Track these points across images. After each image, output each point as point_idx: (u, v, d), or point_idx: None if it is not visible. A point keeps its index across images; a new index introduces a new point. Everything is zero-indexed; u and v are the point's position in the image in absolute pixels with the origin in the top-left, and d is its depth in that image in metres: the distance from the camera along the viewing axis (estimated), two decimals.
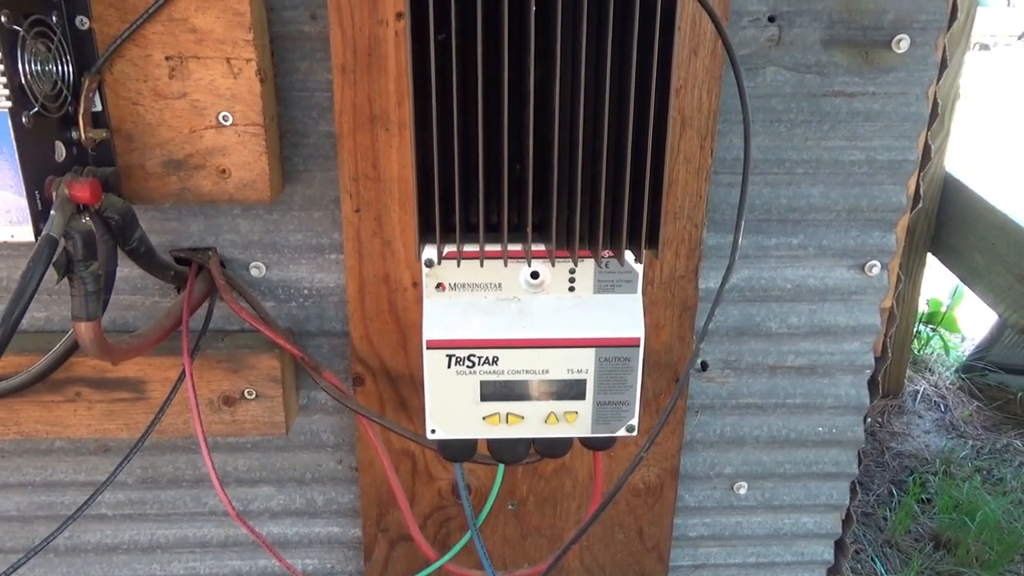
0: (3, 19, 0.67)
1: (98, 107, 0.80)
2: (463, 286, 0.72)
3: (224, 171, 0.83)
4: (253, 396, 0.96)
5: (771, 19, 0.90)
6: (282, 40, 0.87)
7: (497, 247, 0.66)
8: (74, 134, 0.78)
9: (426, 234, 0.66)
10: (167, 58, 0.79)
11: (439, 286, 0.71)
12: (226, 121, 0.82)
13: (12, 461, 1.07)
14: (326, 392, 0.92)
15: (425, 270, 0.71)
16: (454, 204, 0.63)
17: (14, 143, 0.69)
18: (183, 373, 0.91)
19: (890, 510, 1.98)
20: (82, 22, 0.77)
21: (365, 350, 0.99)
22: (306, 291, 0.99)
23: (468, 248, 0.67)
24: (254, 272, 0.97)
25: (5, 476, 1.08)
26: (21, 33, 0.69)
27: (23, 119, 0.70)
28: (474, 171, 0.62)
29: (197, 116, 0.81)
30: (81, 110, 0.78)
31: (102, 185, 0.75)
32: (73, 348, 0.86)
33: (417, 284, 0.95)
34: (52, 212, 0.71)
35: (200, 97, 0.81)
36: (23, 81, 0.70)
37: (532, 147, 0.61)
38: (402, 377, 1.00)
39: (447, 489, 1.08)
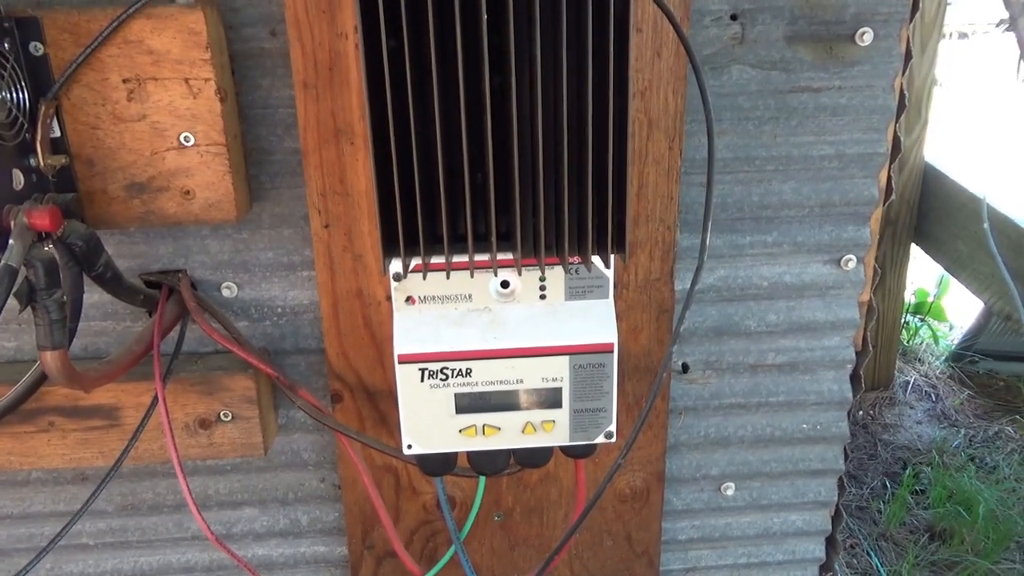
0: None
1: (56, 133, 0.79)
2: (433, 298, 0.71)
3: (188, 192, 0.82)
4: (229, 418, 0.94)
5: (733, 17, 0.89)
6: (242, 58, 0.86)
7: (465, 258, 0.65)
8: (32, 161, 0.77)
9: (391, 247, 0.65)
10: (124, 81, 0.78)
11: (409, 299, 0.71)
12: (188, 142, 0.81)
13: None
14: (303, 411, 0.90)
15: (394, 284, 0.70)
16: (417, 215, 0.62)
17: None
18: (156, 398, 0.90)
19: (884, 503, 1.98)
20: (36, 48, 0.76)
21: (342, 366, 0.97)
22: (280, 309, 0.98)
23: (436, 260, 0.66)
24: (226, 292, 0.96)
25: None
26: None
27: None
28: (435, 181, 0.61)
29: (158, 138, 0.80)
30: (39, 137, 0.77)
31: (64, 211, 0.74)
32: (43, 378, 0.84)
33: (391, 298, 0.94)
34: (11, 241, 0.70)
35: (160, 119, 0.80)
36: None
37: (492, 154, 0.61)
38: (380, 392, 0.99)
39: (432, 503, 1.07)
